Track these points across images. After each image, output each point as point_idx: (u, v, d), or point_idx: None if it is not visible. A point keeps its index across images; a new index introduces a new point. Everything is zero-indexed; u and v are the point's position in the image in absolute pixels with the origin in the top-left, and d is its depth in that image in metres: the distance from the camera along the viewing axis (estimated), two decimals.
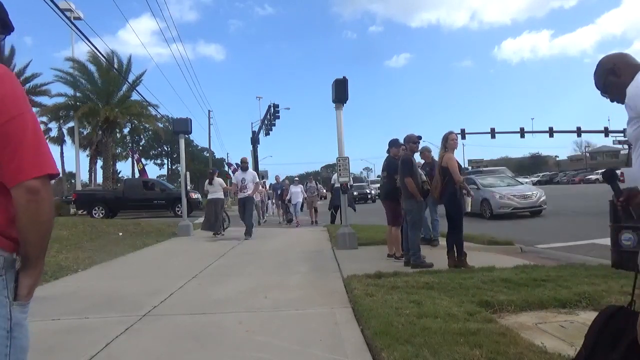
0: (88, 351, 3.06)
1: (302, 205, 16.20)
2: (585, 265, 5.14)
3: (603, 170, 2.12)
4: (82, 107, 24.31)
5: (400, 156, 6.36)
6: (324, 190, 26.00)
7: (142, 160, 36.90)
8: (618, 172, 2.07)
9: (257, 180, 10.66)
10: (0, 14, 1.28)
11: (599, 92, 2.00)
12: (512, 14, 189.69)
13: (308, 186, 16.16)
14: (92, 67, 24.61)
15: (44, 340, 3.33)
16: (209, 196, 11.15)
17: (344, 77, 8.37)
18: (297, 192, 15.49)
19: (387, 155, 6.91)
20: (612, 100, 1.96)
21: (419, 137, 6.51)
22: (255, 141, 28.88)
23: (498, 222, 12.00)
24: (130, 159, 35.22)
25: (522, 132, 38.65)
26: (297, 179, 16.72)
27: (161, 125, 30.28)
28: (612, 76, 1.89)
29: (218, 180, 11.35)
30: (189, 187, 16.81)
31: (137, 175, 30.23)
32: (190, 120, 12.27)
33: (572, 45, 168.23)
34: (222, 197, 11.57)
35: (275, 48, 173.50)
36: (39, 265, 1.22)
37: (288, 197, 15.60)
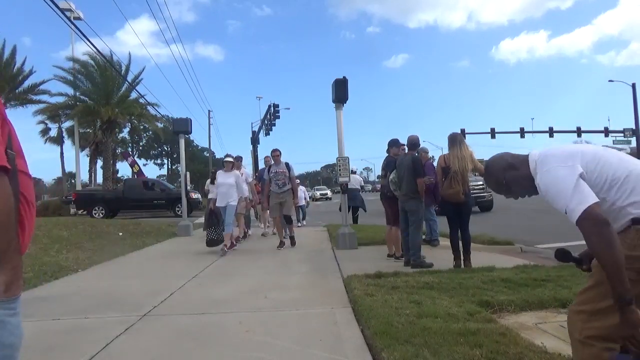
0: (88, 351, 3.06)
1: (251, 212, 10.50)
2: None
3: (555, 251, 1.95)
4: (82, 106, 24.34)
5: (408, 156, 6.14)
6: (308, 198, 17.03)
7: (137, 162, 36.86)
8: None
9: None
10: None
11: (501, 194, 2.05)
12: (509, 15, 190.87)
13: (272, 173, 8.37)
14: (92, 67, 24.63)
15: (44, 340, 3.34)
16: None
17: (344, 77, 8.36)
18: (225, 186, 7.86)
19: (386, 155, 6.89)
20: (517, 197, 2.04)
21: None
22: (255, 141, 28.83)
23: (498, 222, 12.00)
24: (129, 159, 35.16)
25: (522, 132, 38.56)
26: (229, 159, 8.26)
27: (161, 125, 30.28)
28: (510, 171, 1.95)
29: None
30: (189, 187, 16.80)
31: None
32: (190, 120, 12.24)
33: (570, 46, 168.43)
34: None
35: (275, 48, 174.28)
36: (10, 260, 1.14)
37: (213, 195, 8.74)
